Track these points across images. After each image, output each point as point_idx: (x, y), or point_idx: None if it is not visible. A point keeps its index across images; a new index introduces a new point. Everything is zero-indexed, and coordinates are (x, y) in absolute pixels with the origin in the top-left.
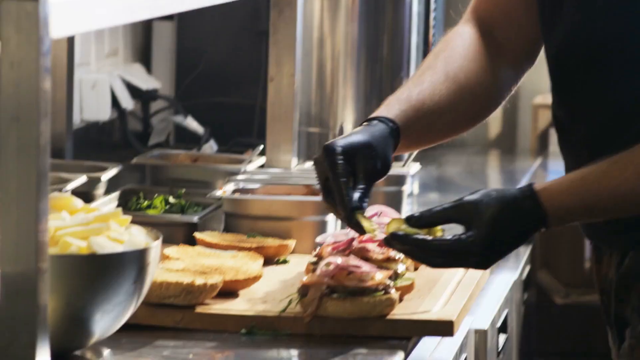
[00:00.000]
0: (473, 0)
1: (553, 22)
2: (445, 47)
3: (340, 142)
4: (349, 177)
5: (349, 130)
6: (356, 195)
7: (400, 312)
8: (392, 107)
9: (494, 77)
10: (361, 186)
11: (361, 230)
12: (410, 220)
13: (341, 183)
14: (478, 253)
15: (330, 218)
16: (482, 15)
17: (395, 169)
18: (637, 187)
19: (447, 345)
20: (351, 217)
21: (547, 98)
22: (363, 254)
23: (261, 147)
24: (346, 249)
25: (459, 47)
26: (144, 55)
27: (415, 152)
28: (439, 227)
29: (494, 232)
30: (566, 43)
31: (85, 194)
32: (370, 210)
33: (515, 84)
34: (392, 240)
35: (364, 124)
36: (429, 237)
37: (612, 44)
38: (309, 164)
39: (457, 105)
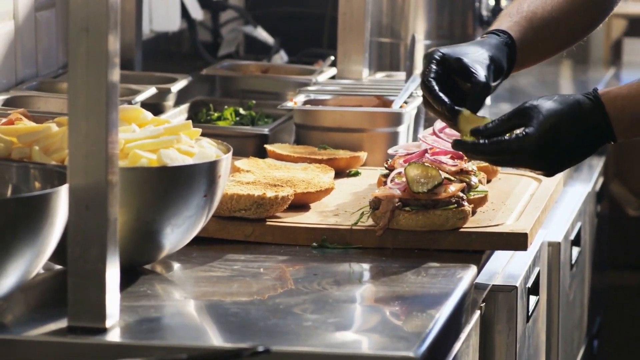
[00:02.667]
0: None
1: None
2: None
3: (442, 48)
4: (440, 79)
5: (421, 41)
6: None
7: (473, 225)
8: (503, 20)
9: None
10: (480, 72)
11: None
12: (476, 134)
13: (430, 84)
14: (533, 151)
15: (402, 129)
16: None
17: None
18: None
19: (520, 259)
20: (452, 115)
21: (621, 7)
22: (436, 166)
23: (332, 57)
24: (419, 160)
25: None
26: None
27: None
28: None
29: (550, 130)
30: None
31: (155, 106)
32: (440, 122)
33: None
34: (455, 146)
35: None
36: (487, 141)
37: None
38: (380, 75)
39: (571, 15)
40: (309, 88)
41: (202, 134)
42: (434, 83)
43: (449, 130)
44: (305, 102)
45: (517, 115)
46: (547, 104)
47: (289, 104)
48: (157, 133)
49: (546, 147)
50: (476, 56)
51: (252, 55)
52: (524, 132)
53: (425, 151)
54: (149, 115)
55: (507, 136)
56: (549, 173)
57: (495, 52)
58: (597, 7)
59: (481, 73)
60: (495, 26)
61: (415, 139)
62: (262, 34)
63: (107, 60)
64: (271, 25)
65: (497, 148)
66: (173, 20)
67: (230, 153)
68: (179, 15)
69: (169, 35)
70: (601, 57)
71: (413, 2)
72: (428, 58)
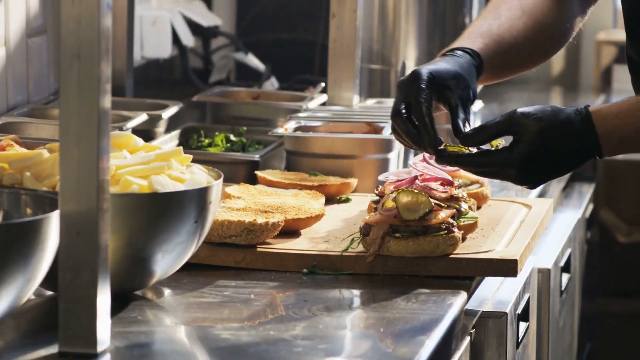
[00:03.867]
0: None
1: None
2: None
3: (430, 68)
4: (431, 105)
5: (411, 67)
6: (459, 123)
7: (463, 251)
8: (475, 39)
9: (563, 11)
10: (461, 116)
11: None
12: (464, 140)
13: (424, 110)
14: (516, 166)
15: (393, 156)
16: None
17: None
18: None
19: (510, 285)
20: (436, 144)
21: (610, 34)
22: (426, 193)
23: (322, 84)
24: (409, 187)
25: None
26: None
27: (478, 89)
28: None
29: (537, 147)
30: None
31: (146, 132)
32: None
33: (582, 18)
34: (439, 159)
35: (447, 53)
36: (473, 151)
37: None
38: (371, 101)
39: (533, 40)
40: (300, 114)
41: (193, 160)
42: (425, 111)
43: None
44: (296, 129)
45: (506, 123)
46: (538, 119)
47: (280, 131)
48: (148, 159)
49: (533, 163)
50: (459, 85)
51: (243, 82)
52: (512, 147)
53: (416, 178)
54: (140, 141)
55: (493, 148)
56: (532, 186)
57: (471, 79)
58: (557, 33)
59: (461, 114)
60: (467, 43)
61: (405, 165)
62: (253, 60)
63: (98, 86)
64: (262, 52)
65: (483, 160)
66: (164, 47)
67: (221, 179)
68: (170, 42)
69: (160, 62)
70: (591, 84)
71: (404, 29)
72: (417, 76)
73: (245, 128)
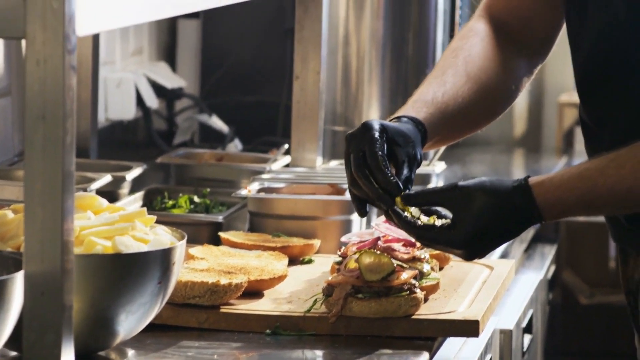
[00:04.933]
0: None
1: (579, 34)
2: (462, 45)
3: (380, 121)
4: (386, 156)
5: None
6: (401, 180)
7: (425, 312)
8: (420, 109)
9: (510, 73)
10: (405, 172)
11: (399, 216)
12: (405, 198)
13: (380, 158)
14: (460, 247)
15: (355, 217)
16: (495, 13)
17: (421, 168)
18: (634, 185)
19: (472, 346)
20: (392, 197)
21: (573, 96)
22: (388, 254)
23: (286, 145)
24: (371, 248)
25: (476, 46)
26: (169, 53)
27: (440, 151)
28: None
29: (478, 229)
30: (591, 54)
31: (110, 194)
32: None
33: (529, 78)
34: (390, 214)
35: (392, 120)
36: (419, 222)
37: (635, 55)
38: (334, 163)
39: (479, 105)
40: (263, 176)
41: (157, 222)
42: (381, 159)
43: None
44: (259, 190)
45: (447, 196)
46: (477, 195)
47: (243, 192)
48: (112, 220)
49: (476, 243)
50: (406, 143)
51: (207, 144)
52: (453, 226)
53: (378, 239)
54: (104, 202)
55: (437, 221)
56: (469, 260)
57: (416, 140)
58: (503, 96)
59: (405, 170)
60: (410, 111)
61: (368, 226)
62: (216, 122)
63: (63, 147)
64: (226, 114)
65: (427, 235)
66: (128, 108)
67: (185, 240)
68: (134, 104)
69: (124, 124)
70: (553, 145)
71: (367, 91)
72: (370, 126)
73: (209, 189)
